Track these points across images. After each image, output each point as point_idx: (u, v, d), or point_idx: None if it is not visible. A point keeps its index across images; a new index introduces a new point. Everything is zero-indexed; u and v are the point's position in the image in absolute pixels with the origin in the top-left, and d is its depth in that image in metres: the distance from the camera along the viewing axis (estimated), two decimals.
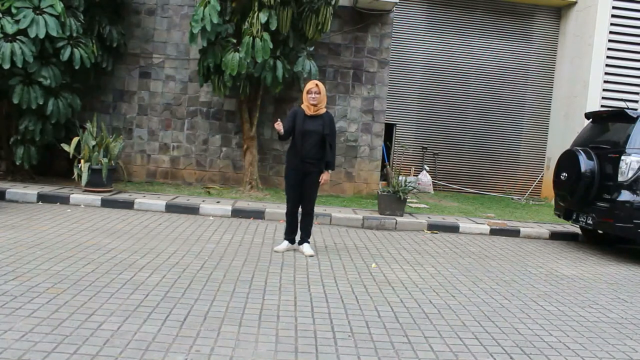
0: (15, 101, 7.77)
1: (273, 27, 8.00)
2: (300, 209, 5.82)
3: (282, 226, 6.38)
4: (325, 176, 5.73)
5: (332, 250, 6.09)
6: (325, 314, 3.99)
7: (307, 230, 5.85)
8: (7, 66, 7.41)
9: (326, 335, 3.57)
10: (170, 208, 7.68)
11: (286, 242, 5.88)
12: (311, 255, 5.68)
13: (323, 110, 5.64)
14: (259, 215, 7.68)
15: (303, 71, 8.60)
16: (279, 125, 5.47)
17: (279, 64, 8.34)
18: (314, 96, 5.52)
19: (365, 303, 4.32)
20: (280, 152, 9.65)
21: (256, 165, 9.26)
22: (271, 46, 7.94)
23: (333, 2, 8.50)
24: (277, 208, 7.70)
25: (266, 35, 7.89)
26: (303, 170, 5.63)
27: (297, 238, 5.92)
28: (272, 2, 7.87)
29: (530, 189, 11.84)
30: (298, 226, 5.88)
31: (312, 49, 9.05)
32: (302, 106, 5.63)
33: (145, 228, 6.45)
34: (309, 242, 5.86)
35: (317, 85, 5.55)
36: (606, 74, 10.53)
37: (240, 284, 4.54)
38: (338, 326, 3.76)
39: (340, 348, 3.39)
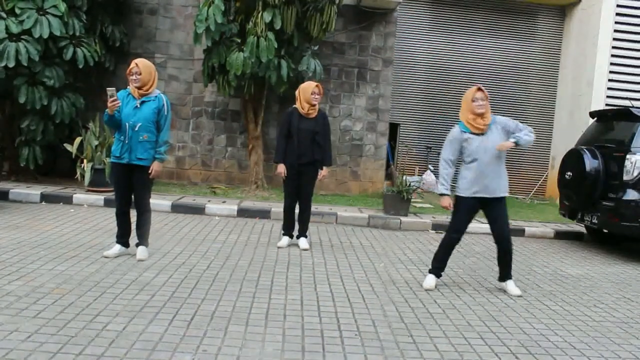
0: (21, 101, 7.78)
1: (277, 26, 7.99)
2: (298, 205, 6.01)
3: None
4: (323, 172, 5.91)
5: (338, 249, 6.11)
6: (332, 313, 3.99)
7: (305, 225, 6.03)
8: (12, 64, 7.43)
9: (333, 335, 3.57)
10: (176, 208, 7.68)
11: (286, 238, 6.04)
12: (306, 249, 5.86)
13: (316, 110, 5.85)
14: (264, 214, 7.68)
15: (308, 70, 8.59)
16: (281, 172, 5.82)
17: (284, 63, 8.33)
18: (317, 97, 5.73)
19: (371, 302, 4.31)
20: None
21: (261, 164, 9.25)
22: (276, 45, 7.94)
23: (337, 1, 8.49)
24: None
25: (271, 35, 7.89)
26: (299, 167, 5.79)
27: (295, 233, 6.09)
28: (276, 1, 7.86)
29: (535, 188, 11.80)
30: (295, 221, 6.03)
31: (316, 48, 9.04)
32: (296, 106, 5.80)
33: (151, 228, 6.43)
34: (305, 237, 6.03)
35: (317, 86, 5.77)
36: (611, 72, 10.46)
37: (246, 284, 4.55)
38: (345, 325, 3.76)
39: (347, 347, 3.39)
